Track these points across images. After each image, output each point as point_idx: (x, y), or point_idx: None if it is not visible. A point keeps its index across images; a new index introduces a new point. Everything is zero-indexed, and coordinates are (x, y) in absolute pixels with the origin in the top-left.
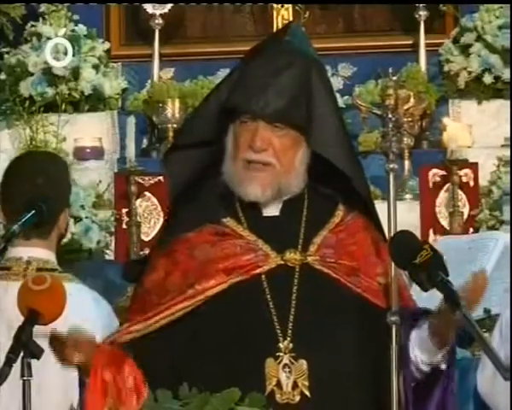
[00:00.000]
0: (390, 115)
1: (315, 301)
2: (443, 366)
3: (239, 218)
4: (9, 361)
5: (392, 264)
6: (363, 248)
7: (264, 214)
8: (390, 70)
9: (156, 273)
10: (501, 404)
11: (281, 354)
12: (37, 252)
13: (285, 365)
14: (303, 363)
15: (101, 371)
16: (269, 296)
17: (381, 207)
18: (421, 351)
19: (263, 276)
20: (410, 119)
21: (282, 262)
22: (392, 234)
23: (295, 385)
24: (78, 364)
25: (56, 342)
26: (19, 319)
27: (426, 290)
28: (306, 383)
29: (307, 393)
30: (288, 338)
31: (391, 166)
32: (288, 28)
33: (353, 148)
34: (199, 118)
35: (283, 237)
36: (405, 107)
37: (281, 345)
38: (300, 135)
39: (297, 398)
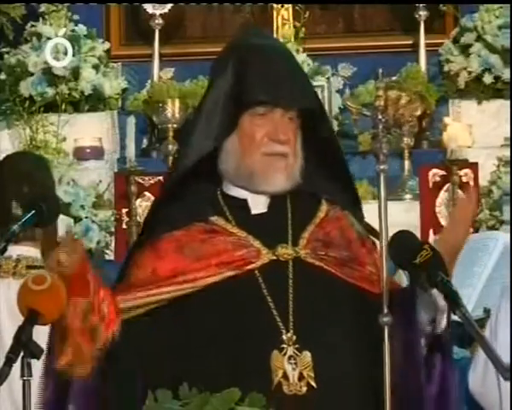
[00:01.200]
0: (380, 117)
1: (311, 293)
2: (441, 327)
3: (226, 216)
4: (9, 361)
5: (384, 264)
6: (350, 241)
7: (253, 212)
8: (380, 71)
9: (142, 270)
10: (492, 402)
11: (285, 345)
12: (25, 250)
13: (290, 356)
14: (307, 354)
15: (84, 273)
16: (265, 291)
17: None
18: (424, 311)
19: (256, 271)
20: (402, 119)
21: (275, 257)
22: (383, 235)
23: (301, 376)
24: (63, 264)
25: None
26: (6, 316)
27: (426, 290)
28: (312, 374)
29: (313, 384)
30: (291, 330)
31: (381, 167)
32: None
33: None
34: (199, 132)
35: (273, 232)
36: (396, 108)
37: (284, 337)
38: (299, 123)
39: (304, 389)
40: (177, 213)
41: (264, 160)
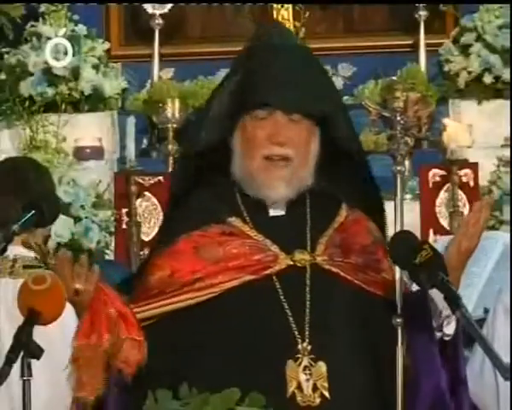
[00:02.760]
0: (398, 118)
1: (328, 301)
2: (449, 330)
3: (244, 218)
4: (9, 361)
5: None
6: (367, 247)
7: (271, 214)
8: (398, 72)
9: (162, 272)
10: (488, 402)
11: (300, 355)
12: (23, 250)
13: (305, 367)
14: (322, 365)
15: (105, 306)
16: (282, 297)
17: None
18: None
19: (274, 277)
20: (417, 122)
21: (292, 263)
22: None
23: (315, 387)
24: (77, 291)
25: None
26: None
27: (426, 290)
28: (326, 385)
29: (327, 395)
30: (307, 340)
31: (398, 168)
32: (269, 28)
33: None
34: (202, 125)
35: (291, 237)
36: (414, 109)
37: (300, 347)
38: (313, 126)
39: (317, 400)
40: (195, 212)
41: (264, 164)
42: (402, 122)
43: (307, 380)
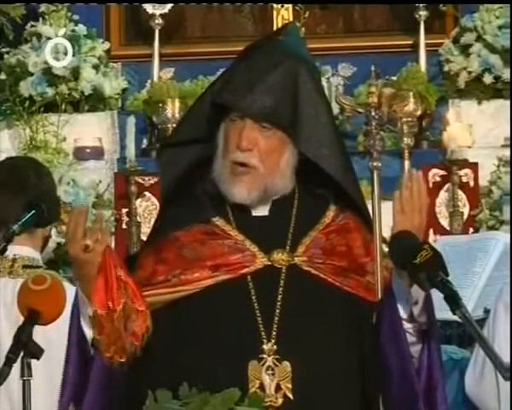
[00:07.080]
0: (373, 113)
1: (301, 302)
2: (423, 326)
3: (228, 217)
4: (9, 361)
5: (378, 257)
6: (353, 249)
7: (254, 214)
8: (372, 68)
9: (143, 271)
10: (488, 404)
11: (264, 356)
12: (22, 250)
13: (268, 367)
14: (287, 365)
15: (115, 269)
16: (254, 298)
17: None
18: (400, 306)
19: (248, 277)
20: (395, 116)
21: (269, 263)
22: (377, 233)
23: (278, 388)
24: (86, 247)
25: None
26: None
27: (426, 290)
28: (290, 386)
29: (290, 395)
30: (272, 340)
31: (374, 164)
32: (285, 28)
33: (345, 150)
34: (193, 115)
35: (271, 237)
36: (389, 104)
37: (265, 347)
38: (287, 136)
39: (280, 401)
40: (181, 213)
41: (231, 170)
42: (376, 117)
43: (270, 380)
